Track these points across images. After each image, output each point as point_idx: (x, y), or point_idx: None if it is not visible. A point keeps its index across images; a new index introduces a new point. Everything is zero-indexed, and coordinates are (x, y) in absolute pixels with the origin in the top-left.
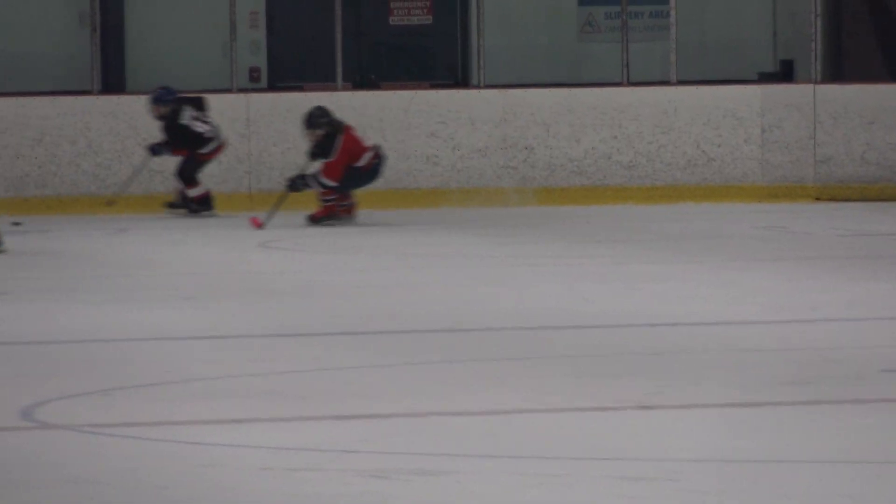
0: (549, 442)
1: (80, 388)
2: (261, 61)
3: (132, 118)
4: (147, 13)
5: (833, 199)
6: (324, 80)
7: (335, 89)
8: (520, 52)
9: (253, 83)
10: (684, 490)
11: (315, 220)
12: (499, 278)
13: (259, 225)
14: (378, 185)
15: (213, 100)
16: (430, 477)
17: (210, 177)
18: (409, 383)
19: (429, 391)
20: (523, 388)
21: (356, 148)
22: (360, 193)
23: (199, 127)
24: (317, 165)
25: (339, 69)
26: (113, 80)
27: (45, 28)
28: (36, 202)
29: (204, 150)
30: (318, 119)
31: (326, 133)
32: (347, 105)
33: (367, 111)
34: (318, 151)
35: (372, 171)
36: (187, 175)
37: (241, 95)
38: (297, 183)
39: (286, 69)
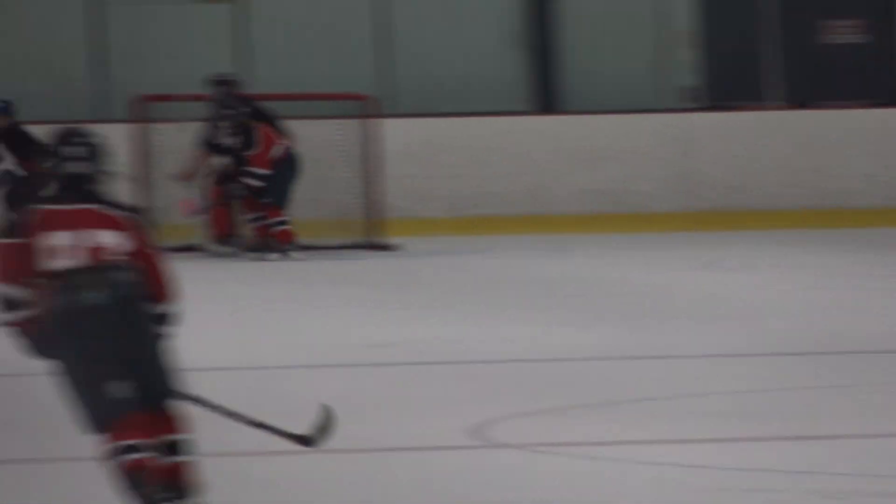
0: None
1: (531, 406)
2: (696, 80)
3: (567, 139)
4: (580, 33)
5: None
6: (756, 99)
7: (768, 108)
8: None
9: (691, 102)
10: None
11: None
12: None
13: (192, 210)
14: (819, 204)
15: (647, 119)
16: (892, 500)
17: (647, 195)
18: (864, 404)
19: (887, 413)
20: None
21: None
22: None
23: None
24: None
25: (777, 88)
26: (548, 101)
27: (480, 50)
28: (472, 221)
29: None
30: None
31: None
32: (779, 125)
33: (800, 131)
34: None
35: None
36: None
37: (680, 115)
38: (235, 189)
39: (721, 88)
